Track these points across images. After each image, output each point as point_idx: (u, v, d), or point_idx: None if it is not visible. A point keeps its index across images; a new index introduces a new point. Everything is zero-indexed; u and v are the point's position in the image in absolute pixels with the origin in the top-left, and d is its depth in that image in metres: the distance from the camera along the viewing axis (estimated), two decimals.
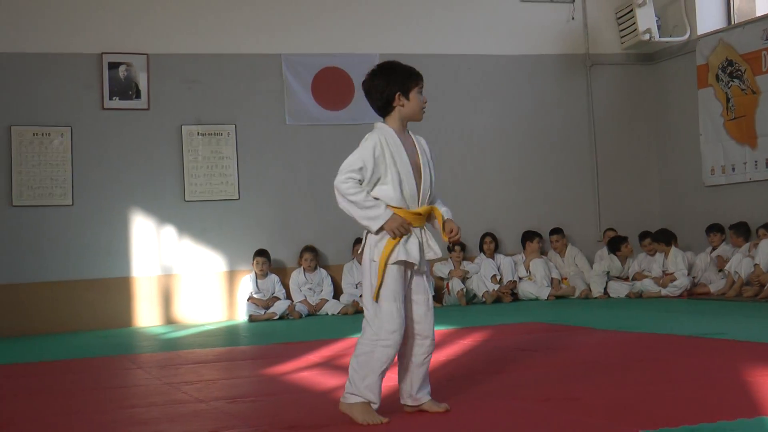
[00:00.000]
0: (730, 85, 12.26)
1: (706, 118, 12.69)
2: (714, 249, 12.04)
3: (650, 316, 9.50)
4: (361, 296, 5.13)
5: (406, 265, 4.50)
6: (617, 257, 12.62)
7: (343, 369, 5.35)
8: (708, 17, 12.84)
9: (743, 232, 11.57)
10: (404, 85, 4.65)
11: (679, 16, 12.97)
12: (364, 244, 4.56)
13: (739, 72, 12.11)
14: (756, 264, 10.81)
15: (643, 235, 12.59)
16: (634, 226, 13.18)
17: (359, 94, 12.17)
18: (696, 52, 12.80)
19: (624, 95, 13.86)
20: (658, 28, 12.95)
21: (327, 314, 11.91)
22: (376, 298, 4.45)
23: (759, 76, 11.79)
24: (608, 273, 12.55)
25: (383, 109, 4.66)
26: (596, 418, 4.26)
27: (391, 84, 4.64)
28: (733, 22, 12.65)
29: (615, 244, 12.69)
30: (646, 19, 12.83)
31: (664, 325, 8.43)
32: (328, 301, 12.04)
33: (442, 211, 4.70)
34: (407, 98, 4.65)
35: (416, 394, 4.61)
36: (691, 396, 4.71)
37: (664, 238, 12.27)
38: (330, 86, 12.54)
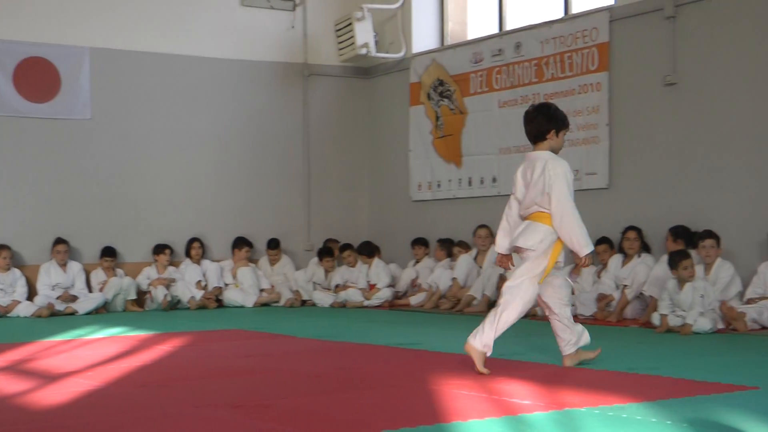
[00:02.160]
0: (440, 104, 12.70)
1: (416, 135, 13.07)
2: (418, 262, 12.39)
3: (352, 325, 9.62)
4: None
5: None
6: (322, 267, 12.70)
7: (31, 373, 4.98)
8: (423, 37, 13.24)
9: (446, 247, 11.97)
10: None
11: (396, 33, 13.30)
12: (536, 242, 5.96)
13: (449, 92, 12.56)
14: (454, 278, 11.23)
15: (344, 247, 12.74)
16: (344, 236, 13.35)
17: (66, 87, 11.59)
18: (410, 69, 13.17)
19: (340, 107, 14.03)
20: (376, 43, 13.20)
21: (18, 316, 11.20)
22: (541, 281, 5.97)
23: (467, 97, 12.28)
24: (315, 282, 12.62)
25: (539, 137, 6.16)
26: (285, 424, 4.19)
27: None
28: (445, 44, 13.11)
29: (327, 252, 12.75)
30: (364, 34, 13.04)
31: (365, 334, 8.55)
32: (20, 302, 11.32)
33: None
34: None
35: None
36: (379, 404, 4.76)
37: (367, 250, 12.50)
38: (34, 77, 11.82)
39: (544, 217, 6.01)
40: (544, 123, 6.09)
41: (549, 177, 5.93)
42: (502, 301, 6.01)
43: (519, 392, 4.99)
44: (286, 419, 4.34)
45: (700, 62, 9.71)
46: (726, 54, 9.49)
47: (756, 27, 9.27)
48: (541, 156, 6.08)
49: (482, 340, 5.86)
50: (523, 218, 6.15)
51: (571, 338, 6.11)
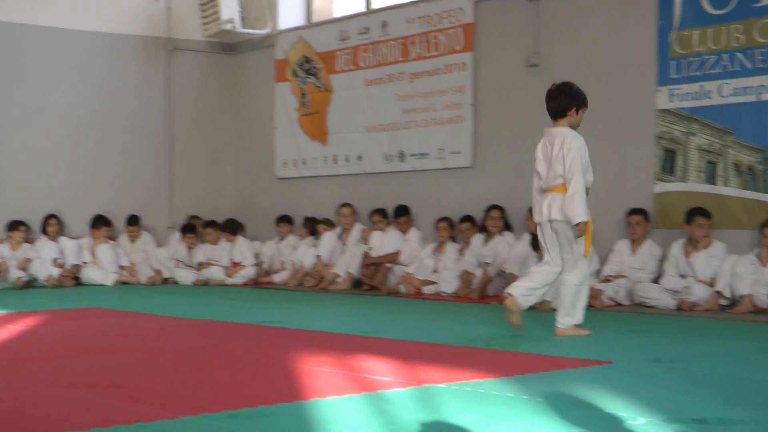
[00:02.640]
0: (306, 81, 12.60)
1: (282, 112, 12.95)
2: (282, 239, 12.30)
3: (214, 304, 9.48)
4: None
5: None
6: (185, 244, 12.47)
7: None
8: (289, 14, 13.10)
9: (310, 224, 11.91)
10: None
11: (262, 9, 13.12)
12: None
13: (315, 69, 12.47)
14: (318, 256, 11.20)
15: (207, 224, 12.52)
16: (208, 214, 13.12)
17: None
18: (276, 46, 13.02)
19: (205, 83, 13.78)
20: (241, 18, 12.99)
21: None
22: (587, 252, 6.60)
23: (333, 75, 12.22)
24: (177, 260, 12.39)
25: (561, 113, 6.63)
26: (140, 404, 4.07)
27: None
28: (311, 21, 13.01)
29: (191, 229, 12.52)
30: (229, 9, 12.81)
31: (227, 313, 8.42)
32: None
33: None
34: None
35: None
36: (239, 381, 4.69)
37: (230, 227, 12.34)
38: None
39: (562, 188, 6.56)
40: (566, 101, 6.58)
41: (566, 150, 6.48)
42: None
43: (379, 369, 4.98)
44: (140, 398, 4.22)
45: (562, 44, 9.89)
46: (586, 37, 9.70)
47: (614, 11, 9.49)
48: (560, 131, 6.59)
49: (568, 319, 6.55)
50: (546, 191, 6.66)
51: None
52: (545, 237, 6.67)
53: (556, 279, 6.63)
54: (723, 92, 8.60)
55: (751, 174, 8.52)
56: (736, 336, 6.60)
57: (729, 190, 8.52)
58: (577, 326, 6.55)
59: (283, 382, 4.60)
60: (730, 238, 8.57)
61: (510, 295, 6.51)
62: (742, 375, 4.83)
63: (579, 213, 6.43)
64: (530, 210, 9.52)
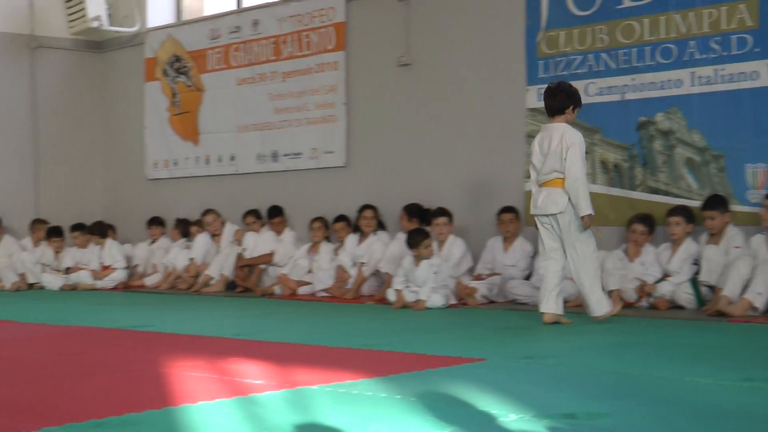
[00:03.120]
0: (176, 80, 12.38)
1: (152, 112, 12.69)
2: (154, 242, 12.05)
3: (83, 309, 9.21)
4: None
5: None
6: (51, 248, 12.08)
7: None
8: (158, 11, 12.85)
9: (182, 227, 11.70)
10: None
11: (130, 7, 12.81)
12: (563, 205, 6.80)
13: (185, 68, 12.26)
14: (192, 258, 11.01)
15: (74, 228, 12.16)
16: (76, 216, 12.73)
17: None
18: (145, 44, 12.75)
19: (72, 82, 13.39)
20: (109, 16, 12.66)
21: None
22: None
23: (204, 74, 12.04)
24: (44, 264, 11.99)
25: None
26: None
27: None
28: (181, 19, 12.78)
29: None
30: (95, 6, 12.47)
31: (96, 318, 8.19)
32: None
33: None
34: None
35: None
36: (105, 389, 4.53)
37: (99, 230, 12.01)
38: None
39: (559, 182, 6.85)
40: (565, 99, 6.91)
41: (568, 144, 6.76)
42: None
43: (252, 372, 4.90)
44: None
45: (433, 44, 9.95)
46: (457, 36, 9.78)
47: (483, 11, 9.61)
48: (560, 127, 6.90)
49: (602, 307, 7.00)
50: (542, 184, 6.94)
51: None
52: (542, 231, 6.99)
53: (563, 272, 6.97)
54: (589, 91, 8.78)
55: (617, 171, 8.73)
56: (605, 330, 6.72)
57: (596, 187, 8.69)
58: (607, 311, 7.02)
59: (152, 389, 4.47)
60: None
61: (543, 313, 6.91)
62: (610, 369, 4.92)
63: (584, 206, 6.75)
64: (405, 208, 9.60)
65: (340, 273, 9.74)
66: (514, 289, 8.71)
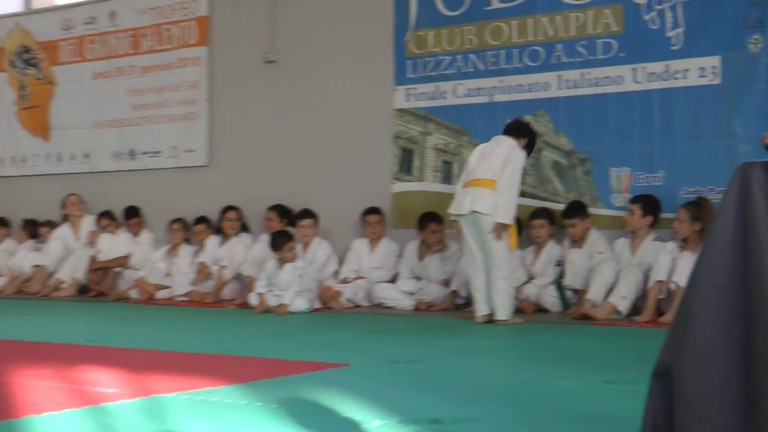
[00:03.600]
0: (25, 72, 11.78)
1: None
2: (0, 243, 11.42)
3: None
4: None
5: None
6: None
7: None
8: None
9: (30, 227, 11.13)
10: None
11: None
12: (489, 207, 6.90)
13: (35, 60, 11.68)
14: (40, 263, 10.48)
15: None
16: None
17: None
18: None
19: None
20: None
21: None
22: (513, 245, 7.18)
23: (56, 66, 11.49)
24: None
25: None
26: None
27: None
28: (31, 8, 12.17)
29: None
30: None
31: None
32: None
33: None
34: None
35: None
36: None
37: None
38: None
39: (491, 183, 6.94)
40: (526, 132, 7.28)
41: (512, 155, 6.97)
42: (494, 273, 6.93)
43: (104, 380, 4.59)
44: None
45: (300, 41, 9.74)
46: (324, 34, 9.60)
47: (351, 8, 9.45)
48: (510, 141, 7.12)
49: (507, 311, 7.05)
50: (470, 184, 7.05)
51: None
52: (466, 234, 7.03)
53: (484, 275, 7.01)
54: (458, 93, 8.71)
55: None
56: (471, 334, 6.67)
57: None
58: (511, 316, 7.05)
59: (3, 399, 4.11)
60: None
61: (477, 315, 7.07)
62: (476, 373, 4.84)
63: (505, 213, 6.88)
64: (274, 209, 9.35)
65: (202, 268, 9.41)
66: (379, 293, 8.56)
